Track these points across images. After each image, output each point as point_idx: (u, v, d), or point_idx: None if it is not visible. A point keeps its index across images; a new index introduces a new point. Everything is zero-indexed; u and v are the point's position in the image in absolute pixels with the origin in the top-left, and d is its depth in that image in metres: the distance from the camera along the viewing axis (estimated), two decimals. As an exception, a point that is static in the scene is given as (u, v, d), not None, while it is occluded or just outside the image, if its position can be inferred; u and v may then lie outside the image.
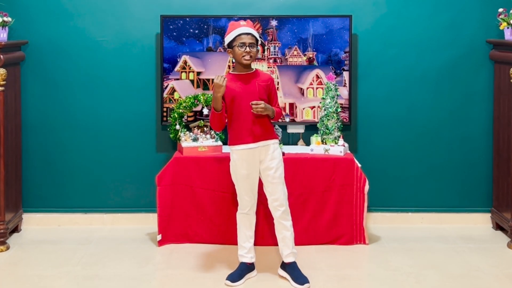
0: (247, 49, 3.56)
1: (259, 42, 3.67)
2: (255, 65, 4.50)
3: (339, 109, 4.37)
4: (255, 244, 3.83)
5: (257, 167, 3.66)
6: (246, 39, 3.57)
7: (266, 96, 3.65)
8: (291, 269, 3.70)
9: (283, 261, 3.74)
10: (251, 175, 3.65)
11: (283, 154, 4.23)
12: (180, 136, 4.36)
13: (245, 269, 3.72)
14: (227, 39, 3.62)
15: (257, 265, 3.81)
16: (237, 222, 3.76)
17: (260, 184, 3.72)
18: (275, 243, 3.84)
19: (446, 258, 4.06)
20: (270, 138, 3.66)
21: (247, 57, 3.57)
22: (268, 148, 3.64)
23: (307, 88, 4.55)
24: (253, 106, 3.53)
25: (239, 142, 3.62)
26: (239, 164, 3.64)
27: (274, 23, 4.49)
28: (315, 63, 4.53)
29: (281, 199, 3.68)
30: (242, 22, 3.63)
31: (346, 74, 4.53)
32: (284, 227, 3.71)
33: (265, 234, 4.14)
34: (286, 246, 3.71)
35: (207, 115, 4.44)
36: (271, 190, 3.68)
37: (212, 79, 4.52)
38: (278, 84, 4.53)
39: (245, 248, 3.73)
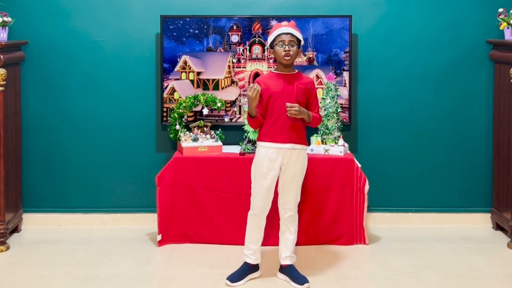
0: (286, 47, 3.58)
1: (301, 43, 3.69)
2: (257, 65, 4.52)
3: (339, 109, 4.37)
4: None
5: (277, 171, 3.64)
6: (285, 38, 3.59)
7: (304, 99, 3.64)
8: (289, 271, 3.70)
9: (281, 265, 3.75)
10: (269, 175, 3.62)
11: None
12: (180, 136, 4.36)
13: (247, 269, 3.71)
14: (269, 39, 3.68)
15: (260, 266, 3.81)
16: (247, 221, 3.75)
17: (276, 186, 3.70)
18: (276, 243, 3.85)
19: (446, 258, 4.06)
20: (299, 143, 3.64)
21: (287, 56, 3.58)
22: (293, 153, 3.62)
23: (307, 88, 4.55)
24: (288, 108, 3.53)
25: (267, 139, 3.62)
26: (261, 161, 3.62)
27: (274, 23, 4.48)
28: (315, 63, 4.53)
29: (292, 204, 3.68)
30: (284, 23, 3.66)
31: (346, 74, 4.53)
32: (288, 231, 3.71)
33: (268, 234, 4.12)
34: (286, 249, 3.71)
35: (207, 115, 4.45)
36: (284, 192, 3.67)
37: (213, 79, 4.53)
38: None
39: (251, 249, 3.72)
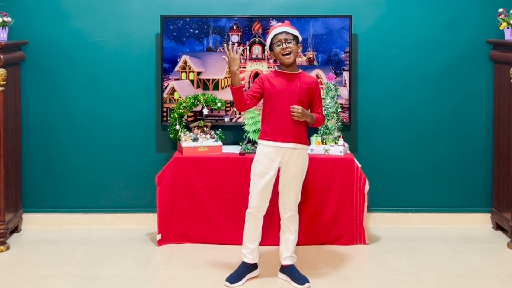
0: (284, 45, 3.57)
1: (299, 39, 3.68)
2: (257, 65, 4.52)
3: (339, 109, 4.37)
4: None
5: (276, 170, 3.63)
6: (281, 37, 3.59)
7: (307, 99, 3.63)
8: (290, 271, 3.70)
9: (281, 265, 3.75)
10: (267, 174, 3.62)
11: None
12: (180, 136, 4.36)
13: (245, 269, 3.71)
14: (267, 43, 3.67)
15: (258, 265, 3.81)
16: (245, 220, 3.73)
17: (275, 186, 3.68)
18: (276, 243, 3.84)
19: (446, 258, 4.06)
20: (300, 143, 3.63)
21: (287, 55, 3.58)
22: (293, 153, 3.61)
23: (307, 88, 4.55)
24: (292, 110, 3.52)
25: (268, 137, 3.62)
26: (261, 159, 3.62)
27: (274, 23, 4.48)
28: (315, 63, 4.53)
29: (291, 204, 3.68)
30: (278, 24, 3.68)
31: (346, 74, 4.53)
32: (289, 230, 3.71)
33: (267, 234, 4.12)
34: (287, 249, 3.71)
35: (207, 115, 4.45)
36: (284, 192, 3.67)
37: (213, 79, 4.52)
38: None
39: (248, 248, 3.72)
